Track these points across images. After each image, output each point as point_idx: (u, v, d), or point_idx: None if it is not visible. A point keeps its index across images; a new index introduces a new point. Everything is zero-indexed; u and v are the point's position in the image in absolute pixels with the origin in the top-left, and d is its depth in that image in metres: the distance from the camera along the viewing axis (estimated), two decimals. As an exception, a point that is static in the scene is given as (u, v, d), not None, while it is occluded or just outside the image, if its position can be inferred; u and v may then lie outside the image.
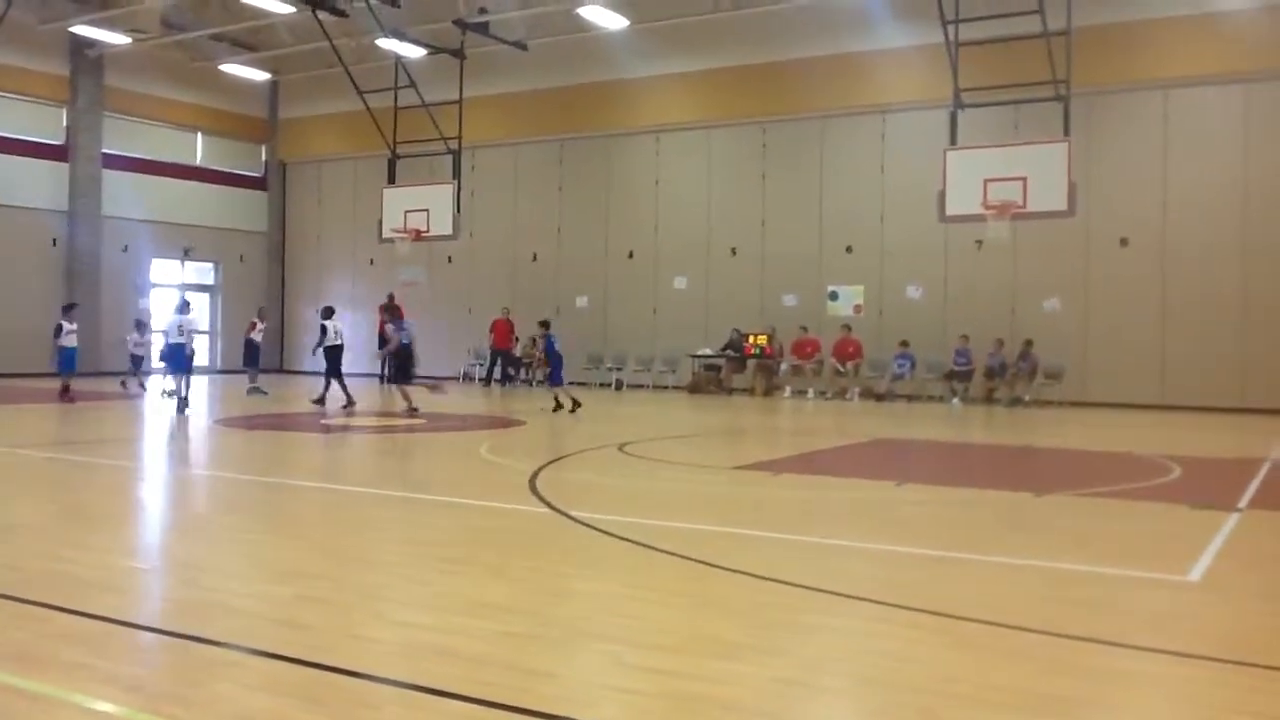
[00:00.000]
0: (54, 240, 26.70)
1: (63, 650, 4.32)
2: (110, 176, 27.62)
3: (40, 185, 26.33)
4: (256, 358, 22.24)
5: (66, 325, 18.99)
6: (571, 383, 25.82)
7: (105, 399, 19.20)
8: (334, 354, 19.22)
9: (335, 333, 19.40)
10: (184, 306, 18.11)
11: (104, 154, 27.49)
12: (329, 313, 20.04)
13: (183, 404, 16.58)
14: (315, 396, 18.77)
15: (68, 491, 9.17)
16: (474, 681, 3.93)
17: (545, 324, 19.61)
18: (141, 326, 22.29)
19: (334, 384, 18.92)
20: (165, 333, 17.90)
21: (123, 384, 21.76)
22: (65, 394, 18.51)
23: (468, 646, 4.44)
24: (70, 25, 25.02)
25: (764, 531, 7.22)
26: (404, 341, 17.59)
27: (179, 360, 17.14)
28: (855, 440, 14.11)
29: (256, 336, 22.17)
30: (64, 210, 26.86)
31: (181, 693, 3.83)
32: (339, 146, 30.01)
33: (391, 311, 21.40)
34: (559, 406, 17.64)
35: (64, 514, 7.90)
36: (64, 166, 26.90)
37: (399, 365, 17.92)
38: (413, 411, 16.63)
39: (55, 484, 9.66)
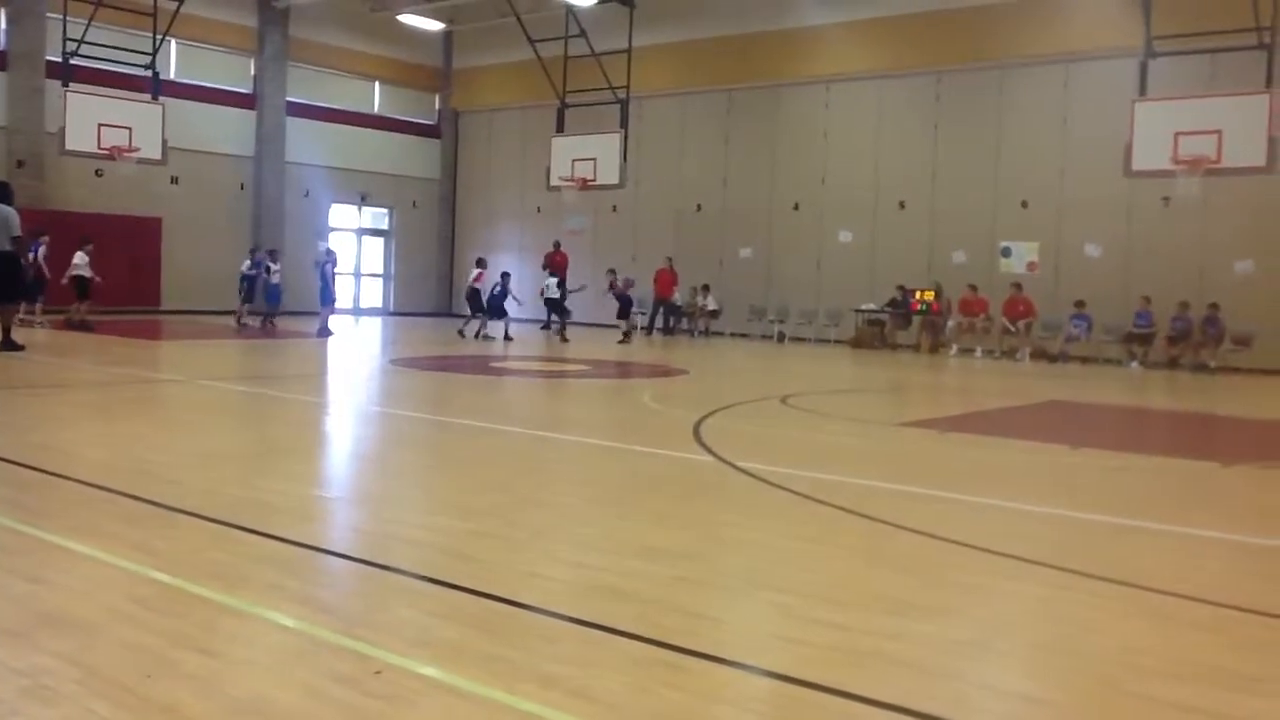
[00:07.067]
0: (241, 184, 28.01)
1: (259, 571, 4.57)
2: (293, 124, 28.76)
3: (230, 132, 27.59)
4: (480, 304, 22.18)
5: (272, 265, 21.51)
6: (734, 333, 26.05)
7: (289, 336, 20.10)
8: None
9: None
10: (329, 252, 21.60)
11: (288, 102, 28.62)
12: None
13: (326, 331, 19.66)
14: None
15: (259, 423, 9.67)
16: (646, 622, 3.99)
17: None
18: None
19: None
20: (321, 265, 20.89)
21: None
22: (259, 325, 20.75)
23: (639, 589, 4.50)
24: (259, -23, 26.06)
25: (932, 490, 7.08)
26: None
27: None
28: (1027, 401, 13.69)
29: (478, 285, 22.21)
30: (251, 156, 28.13)
31: (369, 616, 4.00)
32: (509, 96, 30.44)
33: (549, 262, 21.78)
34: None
35: (256, 444, 8.34)
36: (251, 114, 28.12)
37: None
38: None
39: (247, 416, 10.19)
